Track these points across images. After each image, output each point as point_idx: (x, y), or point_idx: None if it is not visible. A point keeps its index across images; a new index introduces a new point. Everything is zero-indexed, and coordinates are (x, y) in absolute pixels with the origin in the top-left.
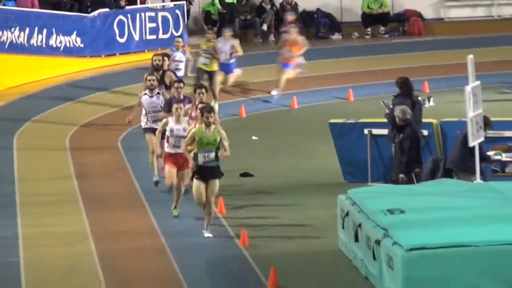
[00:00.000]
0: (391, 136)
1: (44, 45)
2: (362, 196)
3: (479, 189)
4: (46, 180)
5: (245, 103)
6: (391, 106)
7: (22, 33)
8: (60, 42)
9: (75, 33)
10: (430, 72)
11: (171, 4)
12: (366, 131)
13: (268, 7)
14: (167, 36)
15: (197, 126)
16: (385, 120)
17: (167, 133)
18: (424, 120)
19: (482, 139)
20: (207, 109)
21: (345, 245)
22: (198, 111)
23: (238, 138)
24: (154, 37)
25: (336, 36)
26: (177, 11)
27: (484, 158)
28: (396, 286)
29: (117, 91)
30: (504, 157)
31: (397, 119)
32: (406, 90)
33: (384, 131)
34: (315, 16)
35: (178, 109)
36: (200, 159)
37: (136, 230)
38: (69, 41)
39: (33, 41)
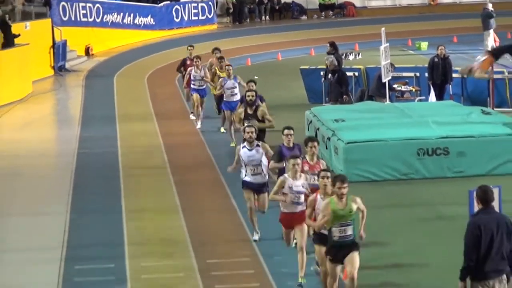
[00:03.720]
0: (327, 77)
1: (131, 23)
2: (319, 111)
3: (388, 107)
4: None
5: (250, 57)
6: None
7: (118, 16)
8: (141, 21)
9: (149, 15)
10: (359, 38)
11: None
12: (321, 73)
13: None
14: (204, 17)
15: (317, 196)
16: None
17: (285, 190)
18: (355, 66)
19: (390, 77)
20: (341, 179)
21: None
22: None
23: (245, 78)
24: (196, 18)
25: (304, 17)
26: (210, 3)
27: (391, 89)
28: (339, 164)
29: (175, 51)
30: (403, 88)
31: (329, 66)
32: (334, 48)
33: None
34: (291, 5)
35: (295, 165)
36: (335, 234)
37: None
38: (146, 21)
39: (125, 20)
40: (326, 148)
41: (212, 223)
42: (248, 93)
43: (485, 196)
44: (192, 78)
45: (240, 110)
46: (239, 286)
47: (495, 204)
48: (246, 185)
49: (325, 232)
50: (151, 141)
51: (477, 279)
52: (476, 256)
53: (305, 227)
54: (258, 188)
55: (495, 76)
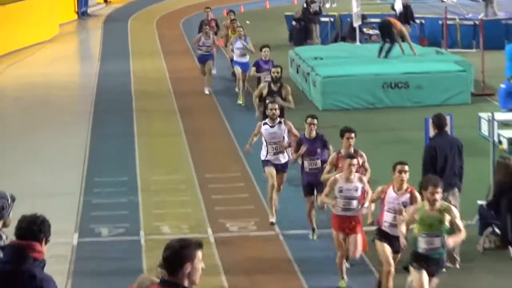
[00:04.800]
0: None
1: None
2: (301, 51)
3: (359, 48)
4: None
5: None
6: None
7: None
8: None
9: None
10: None
11: None
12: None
13: None
14: None
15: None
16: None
17: (336, 194)
18: (330, 13)
19: (360, 22)
20: (433, 183)
21: (293, 76)
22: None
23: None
24: None
25: None
26: None
27: (362, 32)
28: (317, 96)
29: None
30: (371, 32)
31: (295, 15)
32: None
33: None
34: None
35: (351, 165)
36: (422, 245)
37: None
38: None
39: None
40: (306, 81)
41: (209, 144)
42: (273, 69)
43: (439, 122)
44: (200, 43)
45: (263, 85)
46: (232, 197)
47: (448, 129)
48: (268, 163)
49: (388, 229)
50: (159, 74)
51: None
52: (432, 173)
53: (359, 237)
54: (280, 168)
55: (448, 22)
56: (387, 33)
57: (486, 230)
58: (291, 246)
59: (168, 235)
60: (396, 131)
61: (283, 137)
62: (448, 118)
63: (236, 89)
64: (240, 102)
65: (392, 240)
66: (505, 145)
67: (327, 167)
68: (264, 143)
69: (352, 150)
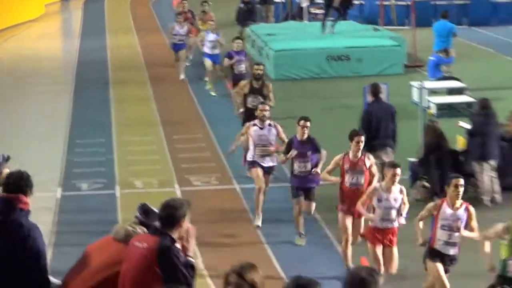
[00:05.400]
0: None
1: None
2: (257, 28)
3: (306, 26)
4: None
5: None
6: None
7: None
8: None
9: None
10: None
11: None
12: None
13: None
14: None
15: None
16: None
17: (374, 203)
18: None
19: (308, 3)
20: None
21: (249, 50)
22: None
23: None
24: None
25: None
26: None
27: (309, 12)
28: (270, 67)
29: None
30: (317, 11)
31: None
32: None
33: None
34: None
35: (395, 175)
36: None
37: None
38: None
39: None
40: (260, 55)
41: (176, 109)
42: (256, 67)
43: (375, 90)
44: (174, 32)
45: (245, 83)
46: (195, 155)
47: (384, 96)
48: (254, 164)
49: (442, 247)
50: (132, 49)
51: (369, 151)
52: (368, 135)
53: (396, 251)
54: (266, 170)
55: (385, 3)
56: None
57: (416, 183)
58: (248, 198)
59: (140, 189)
60: (339, 98)
61: (272, 140)
62: (384, 87)
63: (206, 79)
64: (213, 94)
65: (445, 259)
66: (433, 110)
67: (330, 166)
68: (252, 144)
69: (359, 154)
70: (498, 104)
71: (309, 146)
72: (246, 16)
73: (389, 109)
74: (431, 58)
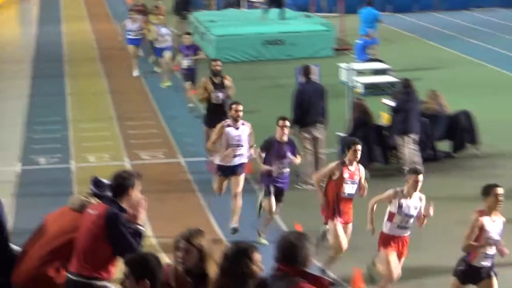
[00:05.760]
0: None
1: None
2: (199, 15)
3: (244, 13)
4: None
5: None
6: None
7: None
8: None
9: None
10: None
11: None
12: None
13: None
14: None
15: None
16: None
17: (392, 210)
18: None
19: None
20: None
21: (193, 35)
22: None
23: None
24: None
25: None
26: None
27: (247, 1)
28: (211, 51)
29: None
30: (255, 0)
31: None
32: None
33: None
34: None
35: (418, 182)
36: None
37: None
38: None
39: None
40: (202, 39)
41: (125, 87)
42: (213, 63)
43: (306, 71)
44: (127, 29)
45: (205, 81)
46: (144, 132)
47: (315, 76)
48: (221, 171)
49: (483, 260)
50: (85, 34)
51: (301, 127)
52: (300, 112)
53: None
54: (234, 170)
55: None
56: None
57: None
58: (192, 170)
59: (93, 163)
60: (274, 79)
61: (245, 140)
62: (315, 68)
63: (155, 69)
64: (167, 84)
65: (481, 274)
66: (360, 89)
67: (324, 171)
68: (225, 145)
69: (355, 163)
70: (418, 84)
71: (288, 147)
72: (182, 6)
73: (320, 88)
74: (358, 41)
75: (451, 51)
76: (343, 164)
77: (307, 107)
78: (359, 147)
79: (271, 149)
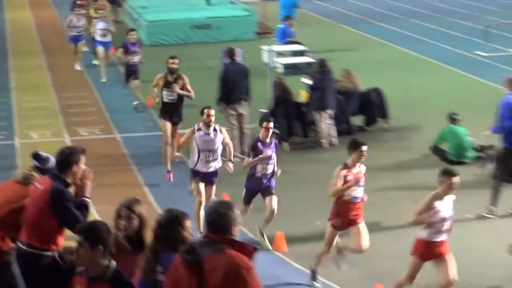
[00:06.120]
0: None
1: None
2: (132, 2)
3: (173, 0)
4: None
5: None
6: None
7: None
8: None
9: None
10: None
11: None
12: None
13: None
14: None
15: None
16: None
17: (431, 214)
18: None
19: None
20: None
21: (127, 21)
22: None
23: None
24: None
25: None
26: None
27: None
28: (144, 35)
29: None
30: None
31: None
32: None
33: None
34: None
35: (454, 184)
36: None
37: None
38: None
39: None
40: (135, 25)
41: (66, 75)
42: (171, 60)
43: (230, 53)
44: (71, 25)
45: (160, 76)
46: (82, 110)
47: (240, 58)
48: (197, 175)
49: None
50: (27, 20)
51: (227, 104)
52: (225, 90)
53: (452, 257)
54: (209, 178)
55: None
56: None
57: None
58: (127, 146)
59: (36, 140)
60: (202, 61)
61: (218, 145)
62: (239, 50)
63: (95, 62)
64: (103, 80)
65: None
66: (280, 69)
67: (337, 181)
68: (196, 150)
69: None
70: (333, 64)
71: (273, 148)
72: None
73: (243, 69)
74: (279, 25)
75: (363, 34)
76: (347, 167)
77: (232, 86)
78: (366, 147)
79: (256, 150)
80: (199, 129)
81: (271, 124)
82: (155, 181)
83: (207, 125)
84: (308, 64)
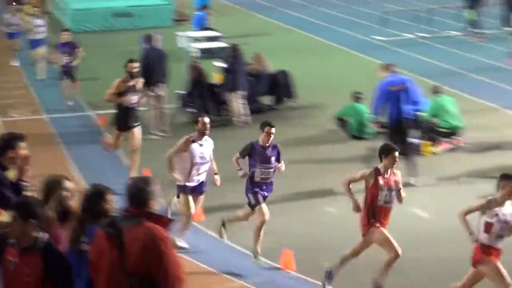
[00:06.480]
0: None
1: None
2: None
3: None
4: None
5: None
6: None
7: None
8: None
9: None
10: None
11: None
12: None
13: None
14: None
15: None
16: None
17: (488, 219)
18: None
19: None
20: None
21: (55, 10)
22: None
23: None
24: None
25: None
26: None
27: None
28: (70, 23)
29: None
30: None
31: None
32: None
33: None
34: None
35: (511, 189)
36: None
37: None
38: None
39: None
40: (62, 14)
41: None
42: (130, 65)
43: (148, 39)
44: (7, 23)
45: (118, 81)
46: (13, 93)
47: (159, 43)
48: (187, 190)
49: None
50: None
51: (148, 85)
52: (145, 73)
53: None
54: (199, 189)
55: None
56: None
57: (184, 109)
58: (56, 126)
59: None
60: (123, 46)
61: (209, 157)
62: (159, 37)
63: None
64: (39, 77)
65: None
66: (196, 54)
67: (354, 176)
68: (188, 163)
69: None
70: (245, 48)
71: (273, 152)
72: None
73: (161, 53)
74: (196, 13)
75: (271, 21)
76: (376, 171)
77: (151, 70)
78: (397, 154)
79: (254, 153)
80: (193, 141)
81: (273, 130)
82: (82, 159)
83: (202, 134)
84: (221, 48)
